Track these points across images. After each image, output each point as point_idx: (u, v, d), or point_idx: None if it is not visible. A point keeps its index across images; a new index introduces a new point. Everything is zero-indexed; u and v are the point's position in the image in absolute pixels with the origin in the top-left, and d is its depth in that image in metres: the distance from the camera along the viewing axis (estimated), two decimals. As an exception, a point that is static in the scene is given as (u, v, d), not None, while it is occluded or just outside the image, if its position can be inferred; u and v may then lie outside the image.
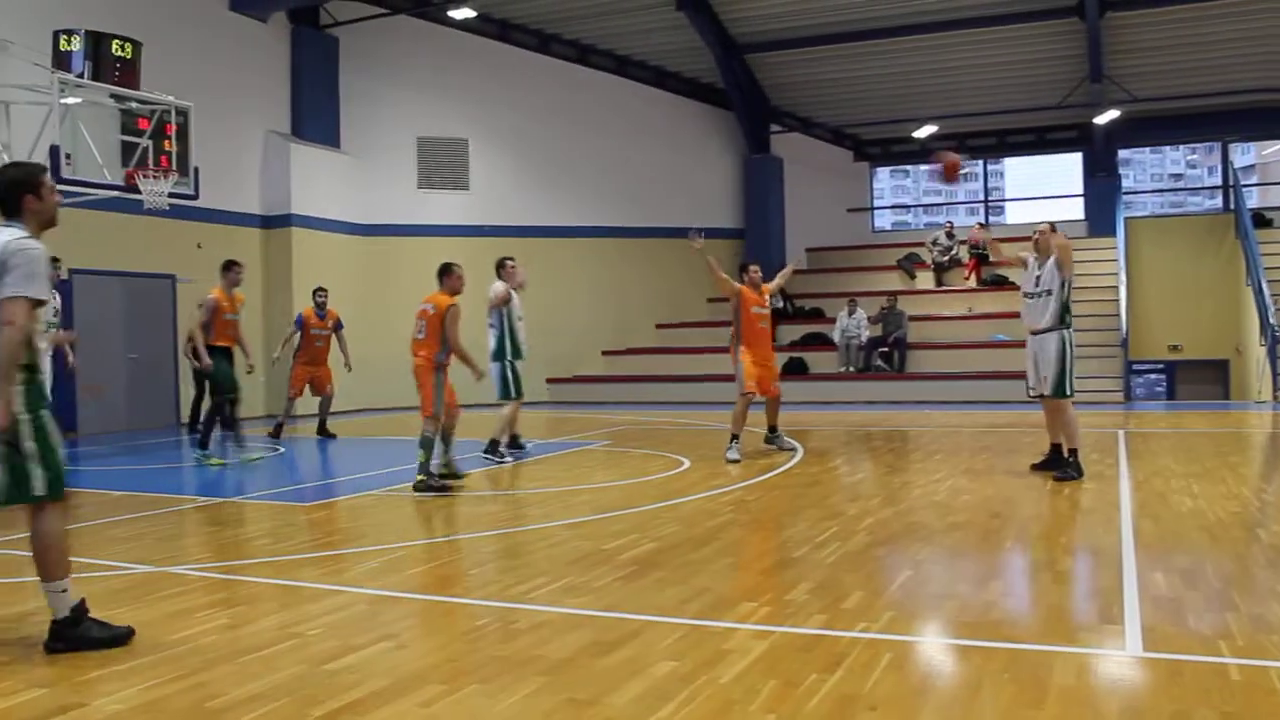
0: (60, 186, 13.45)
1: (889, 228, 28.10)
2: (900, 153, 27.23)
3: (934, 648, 4.59)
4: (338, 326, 15.22)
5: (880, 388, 20.47)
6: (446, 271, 9.89)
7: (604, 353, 23.36)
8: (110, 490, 9.77)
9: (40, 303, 4.53)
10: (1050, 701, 3.75)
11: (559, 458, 12.07)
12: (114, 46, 13.86)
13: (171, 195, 14.11)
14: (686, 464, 10.90)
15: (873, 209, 27.79)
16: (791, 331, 22.80)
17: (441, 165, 22.39)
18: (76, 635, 4.62)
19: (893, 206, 28.48)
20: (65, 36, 13.72)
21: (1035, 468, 9.63)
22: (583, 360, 23.07)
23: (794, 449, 11.81)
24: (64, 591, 4.66)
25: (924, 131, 24.36)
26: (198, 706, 3.86)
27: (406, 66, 21.97)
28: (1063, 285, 9.05)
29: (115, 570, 6.34)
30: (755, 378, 11.63)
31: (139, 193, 13.80)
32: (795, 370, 21.43)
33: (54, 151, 13.00)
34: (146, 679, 4.18)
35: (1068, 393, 9.05)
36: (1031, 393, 9.45)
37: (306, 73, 20.74)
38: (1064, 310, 9.07)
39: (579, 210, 23.32)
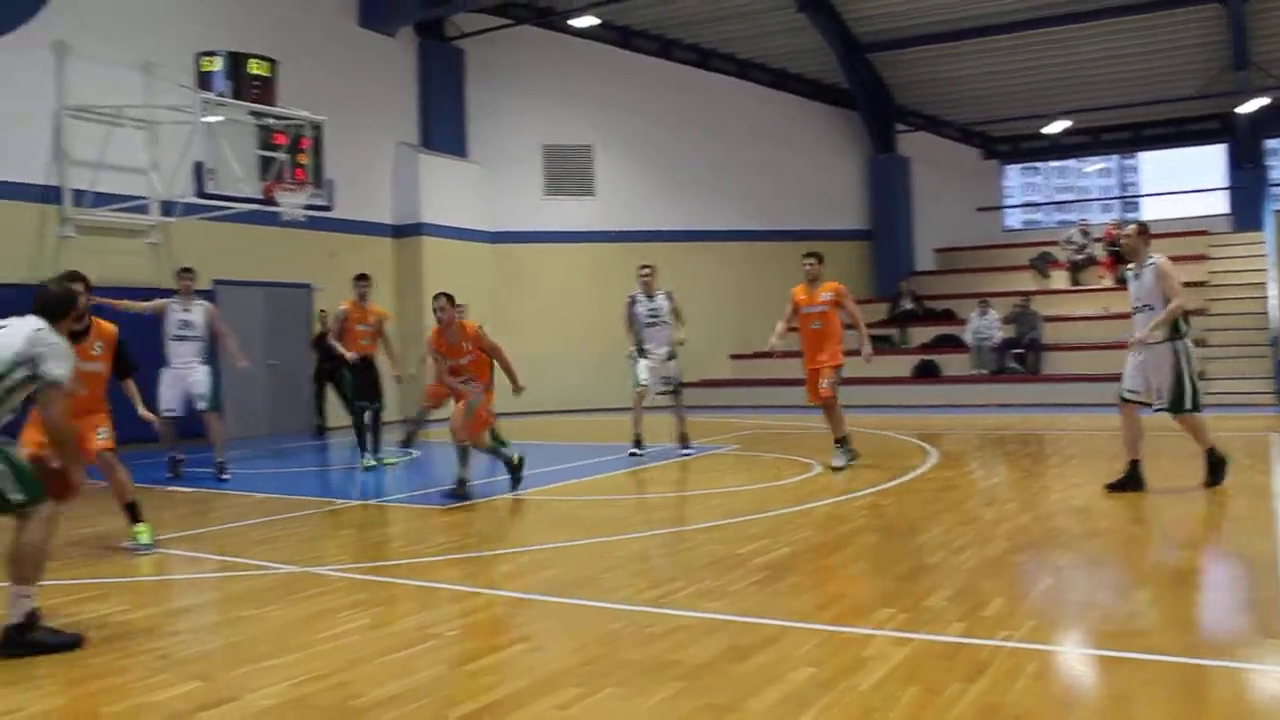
0: (202, 201, 14.08)
1: (1019, 226, 27.43)
2: (1031, 149, 26.59)
3: (1078, 658, 4.47)
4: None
5: (1014, 390, 19.97)
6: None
7: (731, 356, 23.29)
8: (253, 493, 10.11)
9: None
10: (1208, 719, 3.61)
11: (688, 462, 12.07)
12: (252, 66, 14.40)
13: (307, 207, 14.57)
14: (817, 468, 10.81)
15: (1003, 208, 27.18)
16: (923, 333, 22.41)
17: (567, 172, 22.62)
18: (32, 640, 4.79)
19: (1023, 205, 27.79)
20: (207, 58, 14.29)
21: (1111, 488, 8.50)
22: (709, 364, 23.02)
23: (838, 466, 10.77)
24: (28, 597, 4.83)
25: (1056, 127, 23.74)
26: (342, 705, 3.95)
27: (530, 75, 22.24)
28: (1166, 302, 8.22)
29: (261, 570, 6.55)
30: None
31: (277, 205, 14.27)
32: (926, 373, 21.08)
33: (198, 168, 13.55)
34: (293, 676, 4.31)
35: (1187, 407, 8.25)
36: (1133, 397, 8.48)
37: (434, 84, 21.19)
38: (1175, 322, 8.25)
39: (703, 214, 23.30)
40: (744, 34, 22.89)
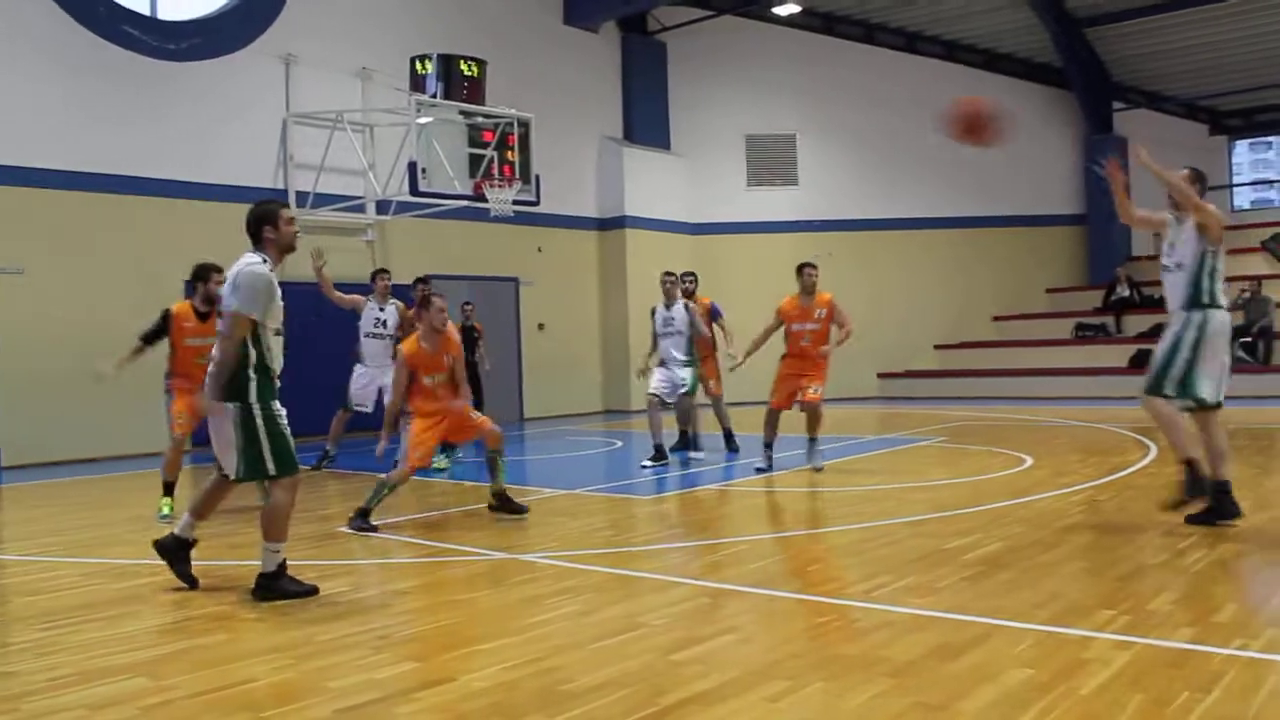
0: (415, 199, 14.62)
1: (1248, 206, 25.76)
2: (1264, 122, 24.93)
3: (1325, 670, 4.15)
4: None
5: (1243, 381, 18.60)
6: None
7: (936, 346, 22.74)
8: (463, 481, 10.44)
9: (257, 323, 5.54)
10: None
11: (893, 454, 11.84)
12: (462, 66, 14.83)
13: (515, 202, 14.94)
14: (1029, 461, 10.44)
15: (1231, 186, 25.60)
16: (1139, 322, 21.36)
17: (770, 162, 22.51)
18: (279, 587, 5.61)
19: (1254, 183, 26.04)
20: (420, 61, 14.82)
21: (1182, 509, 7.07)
22: (914, 354, 22.57)
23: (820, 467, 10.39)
24: (277, 552, 5.63)
25: (1293, 98, 22.26)
26: (552, 689, 4.03)
27: (732, 66, 22.22)
28: (1201, 258, 7.12)
29: (472, 555, 6.75)
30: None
31: (486, 201, 14.68)
32: (1144, 363, 20.03)
33: (411, 167, 14.06)
34: (505, 659, 4.41)
35: (1156, 389, 7.27)
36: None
37: (636, 78, 21.41)
38: (1196, 289, 7.15)
39: (909, 202, 22.81)
40: (951, 14, 22.27)
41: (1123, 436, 12.71)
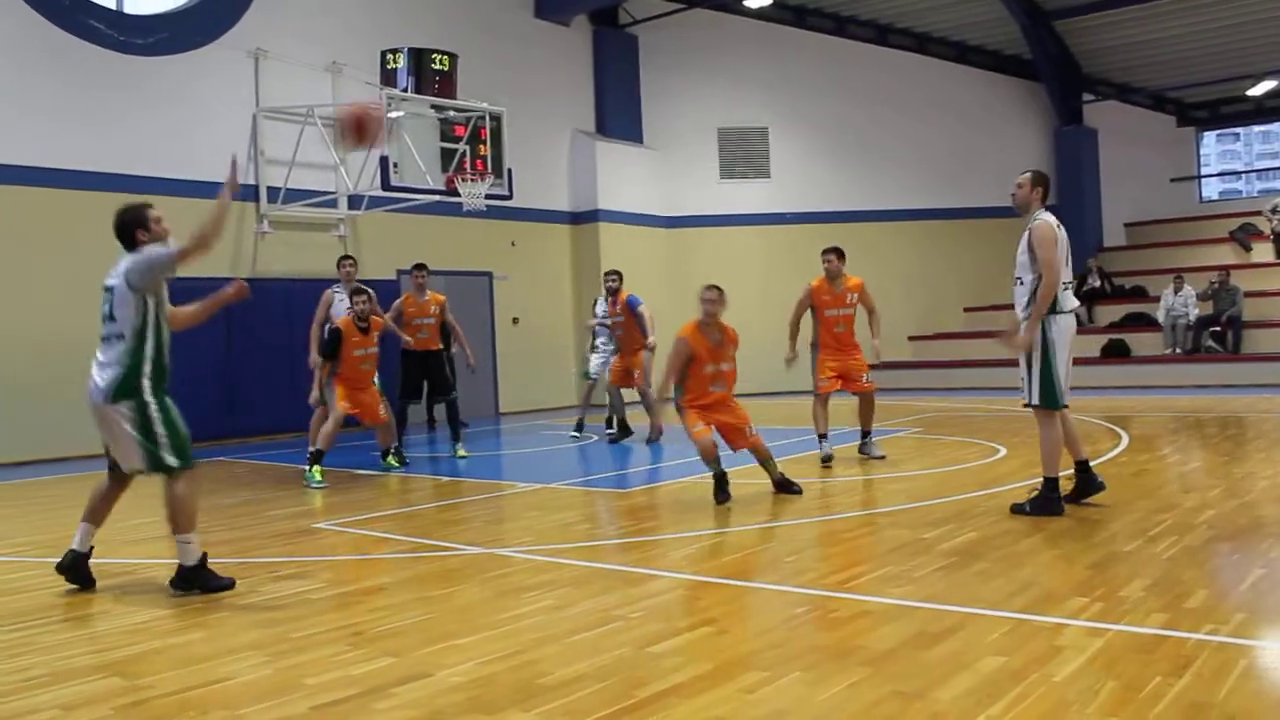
0: (387, 194, 14.56)
1: (1216, 197, 25.98)
2: (1231, 114, 25.12)
3: (1295, 654, 4.21)
4: None
5: (1212, 370, 18.99)
6: None
7: (910, 338, 22.84)
8: (439, 477, 10.42)
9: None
10: None
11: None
12: (434, 61, 14.76)
13: (488, 196, 14.89)
14: (1003, 451, 10.51)
15: (1199, 177, 25.83)
16: (1111, 312, 21.54)
17: (742, 154, 22.53)
18: (201, 579, 5.72)
19: (1221, 174, 26.26)
20: (391, 55, 14.75)
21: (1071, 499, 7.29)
22: (887, 346, 22.53)
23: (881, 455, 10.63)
24: (190, 543, 5.73)
25: (1262, 88, 22.43)
26: (529, 683, 4.03)
27: (704, 58, 22.22)
28: (1038, 276, 7.28)
29: (448, 551, 6.75)
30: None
31: (458, 196, 14.63)
32: (1116, 353, 20.25)
33: (383, 162, 13.98)
34: (482, 654, 4.41)
35: (1034, 401, 7.29)
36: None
37: (608, 71, 21.37)
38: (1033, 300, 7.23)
39: (881, 194, 22.87)
40: (921, 6, 22.33)
41: (1094, 425, 12.80)
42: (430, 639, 4.72)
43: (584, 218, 20.60)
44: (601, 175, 20.54)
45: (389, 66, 14.77)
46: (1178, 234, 23.82)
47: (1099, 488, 7.35)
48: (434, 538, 7.22)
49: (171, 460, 5.68)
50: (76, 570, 5.85)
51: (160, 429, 5.67)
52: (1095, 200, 23.95)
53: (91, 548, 5.92)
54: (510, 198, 15.52)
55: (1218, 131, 25.90)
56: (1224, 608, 4.70)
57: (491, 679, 4.11)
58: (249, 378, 15.17)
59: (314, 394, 10.54)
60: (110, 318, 5.77)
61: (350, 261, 11.73)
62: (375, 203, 16.03)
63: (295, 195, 15.73)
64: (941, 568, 5.62)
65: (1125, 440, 11.08)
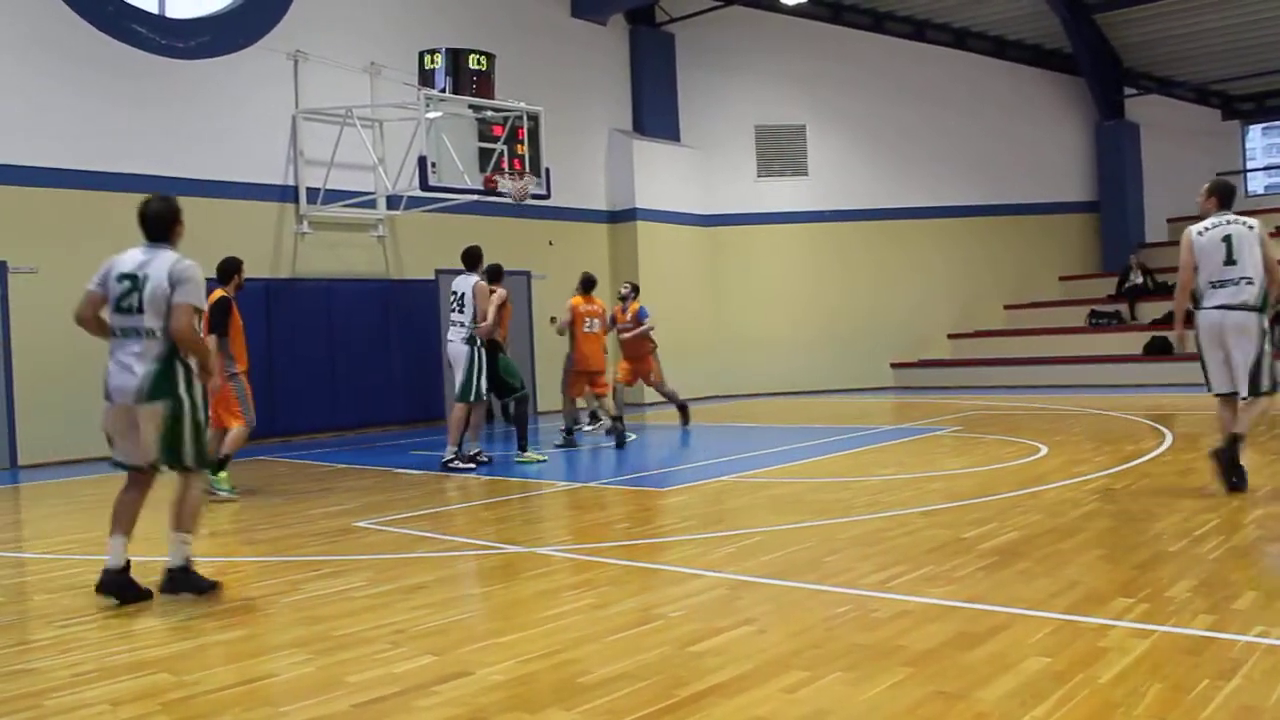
0: (425, 194, 14.64)
1: (1262, 191, 25.61)
2: (1278, 107, 24.77)
3: (1347, 656, 4.13)
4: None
5: (1258, 367, 18.71)
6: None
7: (950, 336, 22.70)
8: (479, 475, 10.45)
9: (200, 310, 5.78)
10: None
11: (907, 444, 11.82)
12: (471, 60, 14.84)
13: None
14: (1044, 450, 10.41)
15: (1245, 171, 25.48)
16: (1154, 309, 21.27)
17: (780, 152, 22.46)
18: (192, 581, 5.65)
19: (1267, 168, 25.89)
20: (429, 56, 14.84)
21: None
22: (927, 344, 22.52)
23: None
24: (187, 544, 5.70)
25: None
26: (569, 681, 4.04)
27: (741, 56, 22.17)
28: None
29: (488, 550, 6.77)
30: None
31: (497, 195, 14.69)
32: (1159, 351, 20.00)
33: (421, 162, 14.07)
34: (521, 653, 4.43)
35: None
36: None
37: (645, 70, 21.39)
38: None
39: (920, 191, 22.74)
40: (960, 1, 22.15)
41: (1137, 424, 12.68)
42: (471, 637, 4.74)
43: (621, 216, 20.62)
44: (639, 174, 20.55)
45: (427, 67, 14.86)
46: (1223, 229, 23.45)
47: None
48: (474, 536, 7.25)
49: (192, 459, 5.68)
50: (120, 588, 5.60)
51: (188, 428, 5.62)
52: (1138, 196, 23.68)
53: (128, 561, 5.69)
54: (548, 197, 15.58)
55: (1264, 125, 25.54)
56: (1274, 609, 4.63)
57: (532, 677, 4.12)
58: (289, 377, 15.28)
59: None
60: (138, 310, 5.66)
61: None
62: (414, 203, 16.12)
63: (334, 196, 15.85)
64: (983, 567, 5.58)
65: (1169, 439, 10.96)
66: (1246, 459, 7.52)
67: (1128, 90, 23.86)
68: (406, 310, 17.02)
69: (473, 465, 10.78)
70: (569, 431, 12.95)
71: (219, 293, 9.41)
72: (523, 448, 11.40)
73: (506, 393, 11.46)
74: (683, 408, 14.63)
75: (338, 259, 16.06)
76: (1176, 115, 24.52)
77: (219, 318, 9.29)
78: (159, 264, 5.65)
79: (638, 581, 5.76)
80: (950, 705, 3.63)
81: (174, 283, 5.58)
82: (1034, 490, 8.06)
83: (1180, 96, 24.60)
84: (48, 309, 13.26)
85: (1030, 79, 23.67)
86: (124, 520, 5.77)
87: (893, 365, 22.13)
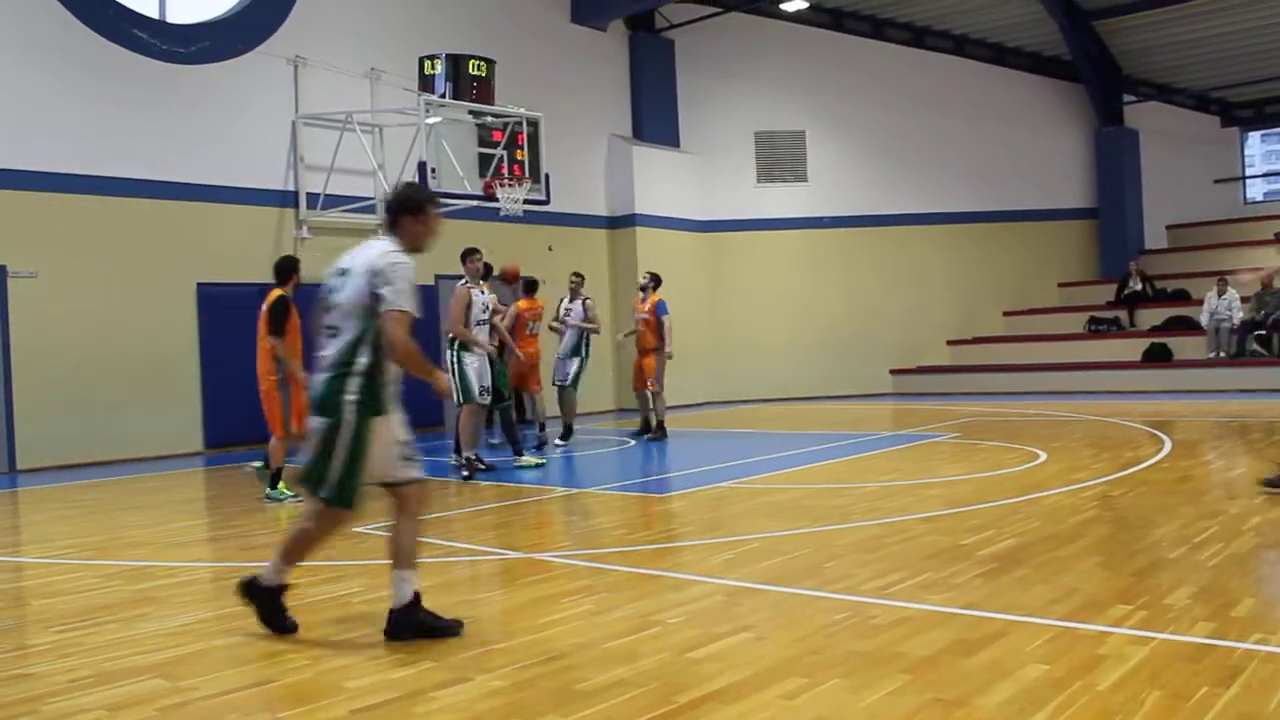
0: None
1: (1261, 199, 25.65)
2: (1277, 114, 24.81)
3: (1345, 663, 4.13)
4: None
5: (1257, 375, 18.75)
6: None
7: (949, 342, 22.70)
8: (478, 480, 10.44)
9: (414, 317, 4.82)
10: None
11: (906, 450, 11.82)
12: (471, 66, 14.86)
13: (525, 201, 14.95)
14: (1043, 457, 10.41)
15: (1244, 178, 25.52)
16: (1153, 315, 21.30)
17: (779, 158, 22.47)
18: (418, 621, 4.81)
19: (1266, 175, 25.92)
20: (429, 61, 14.85)
21: None
22: (926, 350, 22.53)
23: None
24: (408, 581, 4.84)
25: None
26: (568, 688, 4.03)
27: (740, 63, 22.18)
28: None
29: (487, 555, 6.76)
30: None
31: (497, 201, 14.69)
32: (1158, 357, 20.01)
33: (421, 167, 14.06)
34: (519, 659, 4.42)
35: None
36: None
37: (645, 76, 21.40)
38: None
39: (919, 197, 22.76)
40: (959, 8, 22.20)
41: (1136, 431, 12.68)
42: (470, 643, 4.73)
43: (621, 222, 20.63)
44: (638, 179, 20.57)
45: (427, 72, 14.87)
46: (1221, 236, 23.55)
47: None
48: (472, 542, 7.25)
49: (328, 491, 4.78)
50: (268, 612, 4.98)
51: (341, 455, 4.73)
52: (1137, 202, 23.71)
53: (284, 585, 5.01)
54: (548, 202, 15.59)
55: (1263, 132, 25.58)
56: (1273, 616, 4.63)
57: (531, 683, 4.11)
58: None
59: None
60: (336, 306, 4.91)
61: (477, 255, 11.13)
62: (414, 208, 16.11)
63: (334, 201, 15.85)
64: (981, 574, 5.58)
65: (1168, 446, 10.96)
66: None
67: (1127, 97, 23.89)
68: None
69: (466, 472, 10.65)
70: (568, 430, 13.18)
71: (277, 292, 9.33)
72: (518, 453, 11.38)
73: (495, 400, 11.37)
74: (659, 425, 13.70)
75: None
76: (1176, 122, 24.57)
77: (278, 319, 9.19)
78: (365, 256, 4.88)
79: (636, 587, 5.75)
80: (949, 712, 3.63)
81: (373, 273, 4.77)
82: (1033, 497, 8.06)
83: (1179, 103, 24.64)
84: (47, 313, 13.29)
85: (1029, 86, 23.71)
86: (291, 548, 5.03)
87: (892, 371, 22.13)
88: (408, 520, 4.92)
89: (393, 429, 4.88)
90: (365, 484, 4.81)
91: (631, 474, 11.19)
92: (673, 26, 21.66)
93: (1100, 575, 5.57)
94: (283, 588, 4.97)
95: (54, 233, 13.39)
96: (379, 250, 4.85)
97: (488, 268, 11.73)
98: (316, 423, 4.81)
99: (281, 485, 9.44)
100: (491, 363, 11.05)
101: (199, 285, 14.64)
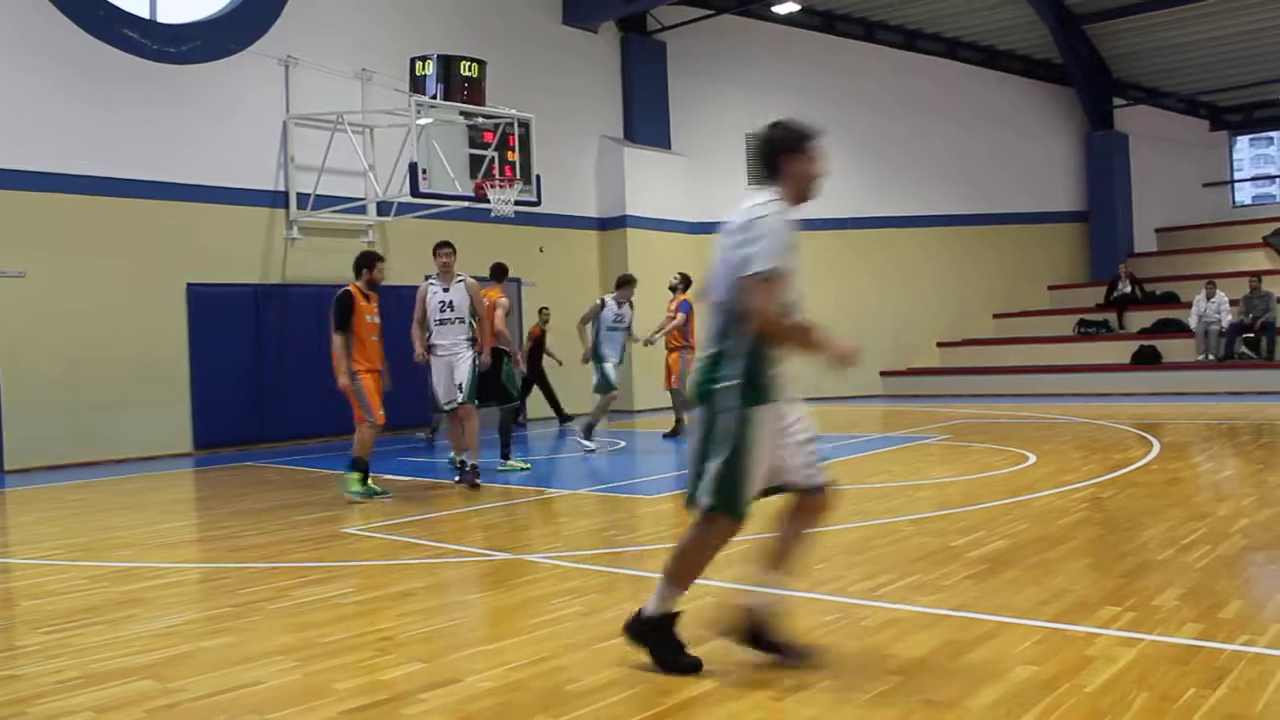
0: (416, 200, 14.60)
1: (1249, 202, 25.73)
2: (1265, 118, 24.90)
3: (1332, 665, 4.15)
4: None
5: (1245, 377, 18.82)
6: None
7: (939, 344, 22.74)
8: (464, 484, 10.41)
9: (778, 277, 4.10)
10: None
11: (896, 452, 11.84)
12: (462, 67, 14.84)
13: (516, 202, 14.94)
14: (1032, 459, 10.43)
15: (1233, 182, 25.60)
16: (1142, 318, 21.36)
17: (770, 161, 22.43)
18: (658, 642, 4.24)
19: (1254, 179, 26.01)
20: (420, 62, 14.83)
21: None
22: (917, 353, 22.56)
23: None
24: (669, 598, 4.26)
25: (1296, 92, 22.22)
26: (558, 689, 4.03)
27: (732, 65, 22.20)
28: None
29: (476, 557, 6.76)
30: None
31: (488, 202, 14.68)
32: (1147, 360, 20.07)
33: (412, 168, 14.05)
34: (509, 660, 4.42)
35: None
36: None
37: (636, 78, 21.40)
38: None
39: (910, 199, 22.80)
40: (951, 12, 22.25)
41: (1125, 433, 12.71)
42: (459, 645, 4.73)
43: (612, 223, 20.63)
44: (629, 181, 20.56)
45: (418, 73, 14.84)
46: (1210, 239, 23.63)
47: None
48: (462, 543, 7.24)
49: (709, 498, 4.17)
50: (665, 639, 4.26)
51: (721, 451, 4.11)
52: (1126, 205, 23.78)
53: (677, 613, 4.30)
54: (538, 204, 15.58)
55: (1251, 136, 25.67)
56: (1260, 618, 4.64)
57: (520, 685, 4.11)
58: (279, 382, 15.25)
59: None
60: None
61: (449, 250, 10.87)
62: (404, 209, 16.11)
63: (324, 201, 15.83)
64: (970, 576, 5.59)
65: (1157, 448, 10.99)
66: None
67: (1117, 101, 23.97)
68: (397, 316, 16.94)
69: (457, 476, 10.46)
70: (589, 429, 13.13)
71: (352, 287, 9.46)
72: (504, 456, 11.34)
73: (505, 400, 11.34)
74: (679, 421, 13.91)
75: (328, 264, 16.00)
76: (1165, 126, 24.65)
77: (340, 314, 9.25)
78: (736, 214, 4.32)
79: (626, 589, 5.75)
80: (938, 713, 3.63)
81: (744, 238, 4.21)
82: (1022, 499, 8.08)
83: (1169, 107, 24.72)
84: (35, 313, 13.25)
85: (1020, 89, 23.77)
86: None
87: (882, 373, 22.15)
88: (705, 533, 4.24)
89: (785, 420, 4.22)
90: (754, 487, 4.18)
91: (620, 476, 11.18)
92: (664, 29, 21.67)
93: (1089, 577, 5.58)
94: (672, 616, 4.26)
95: (42, 232, 13.35)
96: (750, 204, 4.27)
97: (503, 269, 11.84)
98: (694, 415, 4.22)
99: (363, 481, 9.34)
100: (501, 363, 11.10)
101: (189, 285, 14.61)
